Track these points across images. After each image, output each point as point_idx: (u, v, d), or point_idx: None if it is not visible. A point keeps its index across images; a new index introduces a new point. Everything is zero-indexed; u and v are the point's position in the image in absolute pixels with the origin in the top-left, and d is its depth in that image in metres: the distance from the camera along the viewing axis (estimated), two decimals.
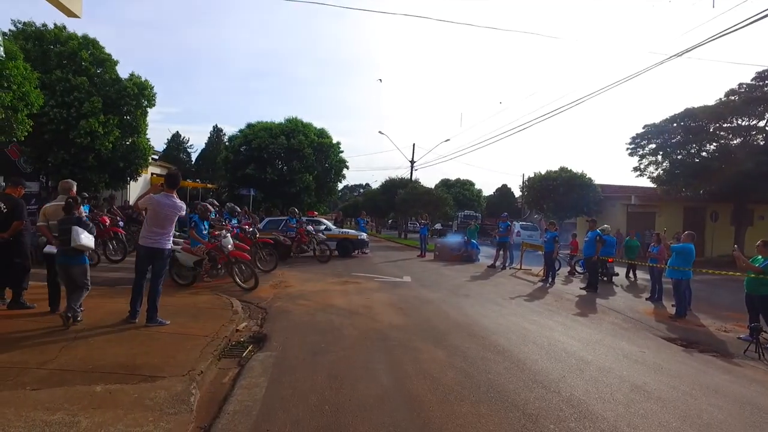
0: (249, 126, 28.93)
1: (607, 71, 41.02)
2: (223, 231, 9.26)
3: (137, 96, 17.98)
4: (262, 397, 3.77)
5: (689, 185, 25.45)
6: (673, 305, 9.60)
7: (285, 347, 5.26)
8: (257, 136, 27.26)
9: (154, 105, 18.97)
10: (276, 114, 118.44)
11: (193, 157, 48.78)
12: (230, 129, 70.55)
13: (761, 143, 24.10)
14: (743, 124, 24.62)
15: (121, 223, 12.35)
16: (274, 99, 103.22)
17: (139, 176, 21.01)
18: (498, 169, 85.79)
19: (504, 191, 52.77)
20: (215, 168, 39.26)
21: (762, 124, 24.36)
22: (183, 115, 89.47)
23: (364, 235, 18.31)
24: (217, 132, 47.41)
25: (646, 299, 10.80)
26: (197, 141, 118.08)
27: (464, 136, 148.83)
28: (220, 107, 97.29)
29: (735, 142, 25.03)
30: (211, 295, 7.99)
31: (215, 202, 12.56)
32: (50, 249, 5.80)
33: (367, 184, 61.78)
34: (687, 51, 10.97)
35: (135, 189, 25.49)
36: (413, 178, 37.50)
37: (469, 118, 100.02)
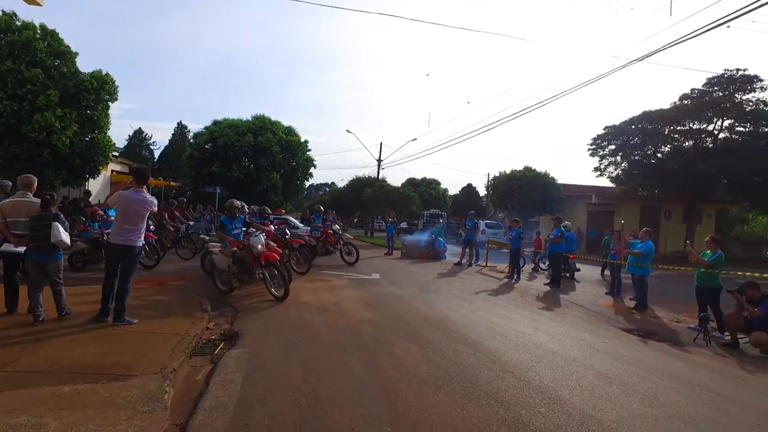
0: (215, 123, 28.31)
1: (573, 73, 42.25)
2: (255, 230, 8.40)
3: (97, 90, 17.30)
4: (237, 392, 3.75)
5: (645, 185, 26.67)
6: (631, 299, 10.08)
7: (258, 344, 5.22)
8: (223, 133, 26.70)
9: (116, 99, 18.32)
10: (243, 112, 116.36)
11: (156, 154, 47.32)
12: (195, 126, 68.93)
13: (710, 146, 25.50)
14: (695, 127, 25.97)
15: (152, 227, 11.82)
16: (240, 96, 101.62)
17: (99, 174, 20.21)
18: (463, 169, 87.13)
19: (469, 190, 53.57)
20: (179, 166, 38.23)
21: (711, 128, 25.78)
22: (146, 111, 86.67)
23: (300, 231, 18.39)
24: (181, 129, 46.15)
25: (606, 293, 11.26)
26: (161, 138, 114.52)
27: (432, 135, 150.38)
28: (185, 104, 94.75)
29: (687, 144, 26.39)
30: (179, 294, 7.82)
31: (267, 209, 12.10)
32: (8, 247, 5.55)
33: (333, 183, 61.28)
34: (647, 56, 11.50)
35: (94, 186, 24.49)
36: (380, 177, 37.68)
37: (437, 117, 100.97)
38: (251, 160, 27.22)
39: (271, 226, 11.42)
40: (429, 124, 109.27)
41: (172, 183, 33.82)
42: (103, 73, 17.78)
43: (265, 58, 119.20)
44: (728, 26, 10.66)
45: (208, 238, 10.52)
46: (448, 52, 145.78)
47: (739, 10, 8.54)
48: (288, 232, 11.70)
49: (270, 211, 12.92)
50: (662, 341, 6.88)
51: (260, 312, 7.00)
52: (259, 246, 7.78)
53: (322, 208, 15.38)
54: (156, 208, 6.01)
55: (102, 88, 17.51)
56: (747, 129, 25.08)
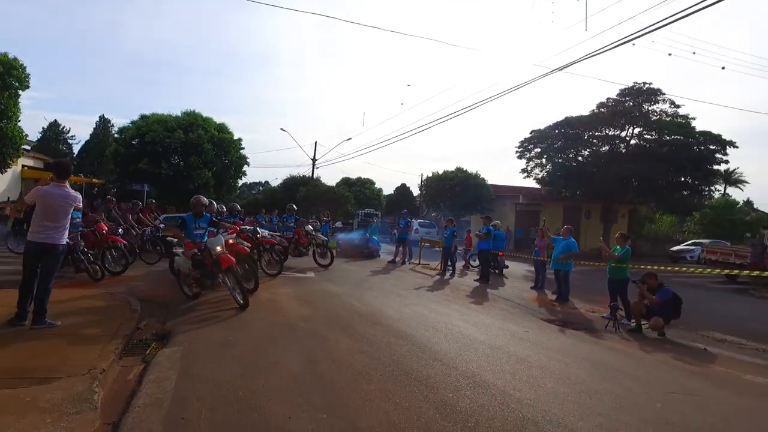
0: (142, 118, 26.75)
1: (502, 78, 44.31)
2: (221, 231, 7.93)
3: (3, 76, 15.88)
4: (172, 389, 3.74)
5: (567, 187, 28.66)
6: (553, 293, 10.87)
7: (191, 342, 5.17)
8: (151, 128, 25.30)
9: (27, 87, 16.92)
10: (170, 106, 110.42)
11: (76, 149, 43.88)
12: (120, 121, 64.25)
13: (623, 151, 27.90)
14: (610, 133, 28.31)
15: (120, 231, 10.86)
16: (168, 91, 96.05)
17: (9, 167, 18.56)
18: (397, 169, 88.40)
19: (403, 190, 54.33)
20: (102, 162, 35.82)
21: (624, 134, 28.22)
22: (62, 103, 79.43)
23: (266, 232, 18.07)
24: (104, 123, 43.08)
25: (531, 288, 12.07)
26: (80, 132, 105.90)
27: (367, 135, 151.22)
28: (107, 96, 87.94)
29: (604, 149, 28.68)
30: (106, 294, 7.46)
31: (236, 206, 11.59)
32: None
33: (267, 182, 59.56)
34: (565, 66, 12.49)
35: (2, 183, 22.42)
36: (315, 177, 37.49)
37: (372, 118, 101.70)
38: (181, 157, 26.07)
39: (246, 226, 11.05)
40: (364, 124, 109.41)
41: (95, 180, 31.68)
42: (10, 57, 16.34)
43: (195, 53, 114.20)
44: (633, 44, 11.83)
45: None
46: (383, 54, 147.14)
47: (640, 30, 9.58)
48: (259, 231, 11.25)
49: (240, 209, 12.49)
50: (578, 329, 7.55)
51: (193, 311, 6.87)
52: (218, 248, 7.09)
53: (294, 206, 14.71)
54: (81, 204, 5.73)
55: (9, 74, 16.09)
56: (653, 137, 27.73)
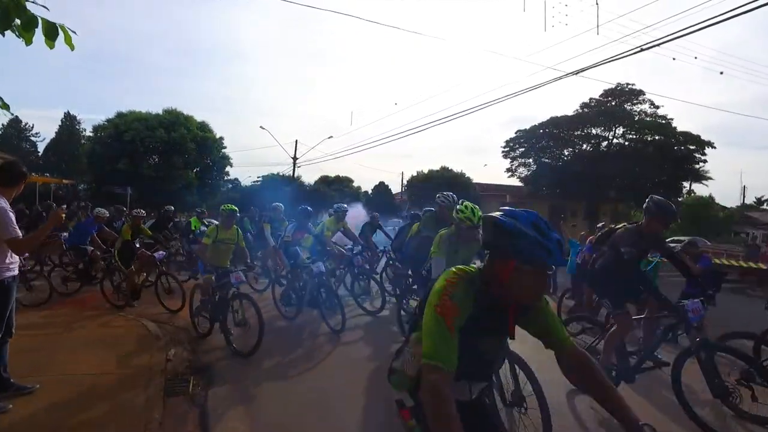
0: (119, 115, 25.47)
1: (483, 77, 44.55)
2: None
3: None
4: None
5: (550, 185, 29.05)
6: (566, 297, 10.69)
7: (239, 377, 4.70)
8: (131, 127, 24.13)
9: None
10: (138, 103, 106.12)
11: (40, 147, 41.64)
12: (86, 117, 61.26)
13: (606, 150, 28.44)
14: (594, 132, 28.81)
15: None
16: (134, 86, 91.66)
17: None
18: (376, 167, 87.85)
19: (382, 189, 54.04)
20: (71, 161, 34.11)
21: (608, 134, 28.77)
22: (19, 96, 74.90)
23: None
24: (70, 119, 41.06)
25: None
26: (43, 129, 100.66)
27: (355, 134, 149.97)
28: (68, 90, 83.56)
29: (587, 147, 29.17)
30: (110, 315, 6.89)
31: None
32: None
33: (236, 179, 57.08)
34: (580, 70, 12.42)
35: None
36: (295, 176, 36.73)
37: (359, 117, 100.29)
38: (163, 157, 25.00)
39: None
40: (352, 123, 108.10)
41: (64, 181, 30.05)
42: None
43: (164, 48, 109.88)
44: (642, 49, 11.91)
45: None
46: (375, 52, 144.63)
47: (653, 41, 9.49)
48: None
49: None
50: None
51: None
52: None
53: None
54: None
55: None
56: (635, 137, 28.38)
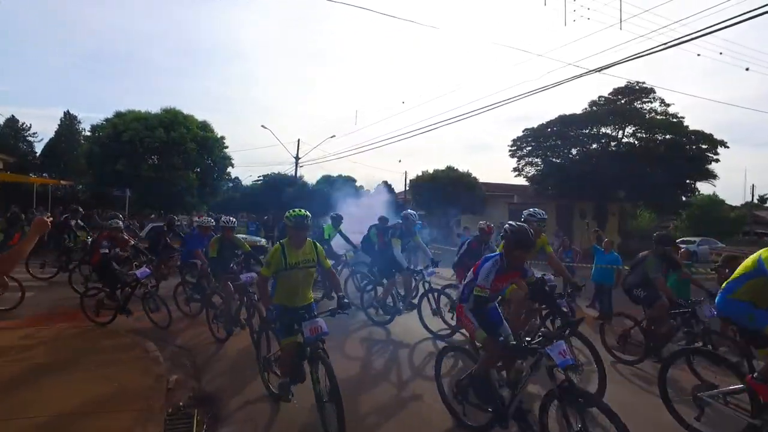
0: (118, 115, 24.80)
1: (493, 74, 44.01)
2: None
3: None
4: None
5: (557, 186, 28.40)
6: (587, 306, 10.12)
7: (251, 412, 4.11)
8: (129, 127, 23.46)
9: None
10: (138, 103, 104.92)
11: (38, 147, 40.94)
12: (88, 117, 60.54)
13: (616, 150, 27.79)
14: (603, 132, 28.16)
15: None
16: (134, 86, 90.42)
17: None
18: (379, 166, 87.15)
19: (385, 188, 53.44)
20: (70, 161, 33.52)
21: (617, 133, 28.12)
22: (18, 95, 74.02)
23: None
24: (69, 119, 40.40)
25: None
26: (42, 128, 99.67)
27: (356, 134, 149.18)
28: (68, 90, 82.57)
29: (596, 146, 28.51)
30: (98, 331, 6.31)
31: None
32: None
33: (237, 177, 55.79)
34: (604, 68, 11.80)
35: None
36: (298, 175, 36.14)
37: (363, 116, 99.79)
38: (163, 157, 24.38)
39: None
40: (356, 123, 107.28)
41: (62, 181, 29.45)
42: None
43: (164, 48, 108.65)
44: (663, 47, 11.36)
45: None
46: (376, 51, 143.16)
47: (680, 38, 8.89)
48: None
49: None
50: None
51: (227, 356, 5.72)
52: None
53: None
54: None
55: None
56: (646, 136, 27.72)
